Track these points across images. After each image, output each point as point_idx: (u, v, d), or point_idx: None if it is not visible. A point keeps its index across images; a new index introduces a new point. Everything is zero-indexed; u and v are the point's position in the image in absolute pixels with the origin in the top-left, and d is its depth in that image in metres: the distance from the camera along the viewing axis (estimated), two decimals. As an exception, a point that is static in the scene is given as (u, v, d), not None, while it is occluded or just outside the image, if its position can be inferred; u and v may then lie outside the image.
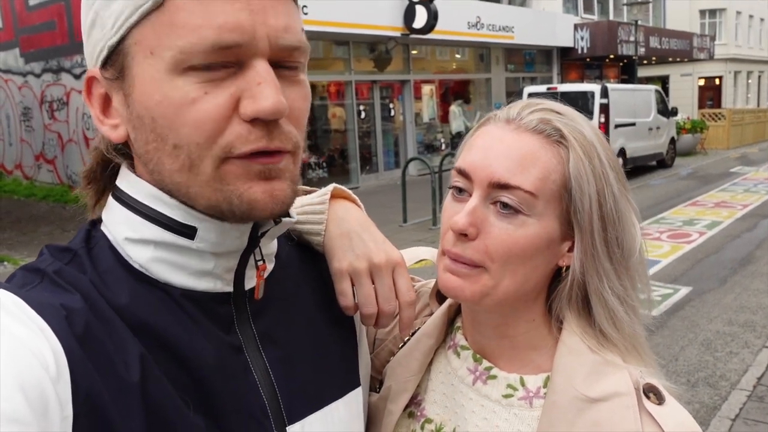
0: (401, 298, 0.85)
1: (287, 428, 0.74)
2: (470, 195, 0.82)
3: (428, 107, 17.05)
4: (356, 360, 0.88)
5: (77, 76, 11.87)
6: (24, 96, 13.68)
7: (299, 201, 0.89)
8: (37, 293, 0.62)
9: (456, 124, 17.82)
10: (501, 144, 0.81)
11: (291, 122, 0.66)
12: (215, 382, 0.68)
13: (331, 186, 0.93)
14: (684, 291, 6.66)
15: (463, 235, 0.80)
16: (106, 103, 0.69)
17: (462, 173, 0.83)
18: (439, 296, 0.99)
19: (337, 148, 14.49)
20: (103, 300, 0.65)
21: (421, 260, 1.04)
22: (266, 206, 0.65)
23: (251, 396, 0.71)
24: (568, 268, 0.84)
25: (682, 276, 7.29)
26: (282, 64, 0.66)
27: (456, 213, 0.82)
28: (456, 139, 17.71)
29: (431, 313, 0.98)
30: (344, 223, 0.88)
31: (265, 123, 0.63)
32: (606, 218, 0.81)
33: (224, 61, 0.62)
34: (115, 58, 0.65)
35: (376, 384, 0.98)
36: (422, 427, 0.93)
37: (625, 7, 23.34)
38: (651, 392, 0.80)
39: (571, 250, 0.83)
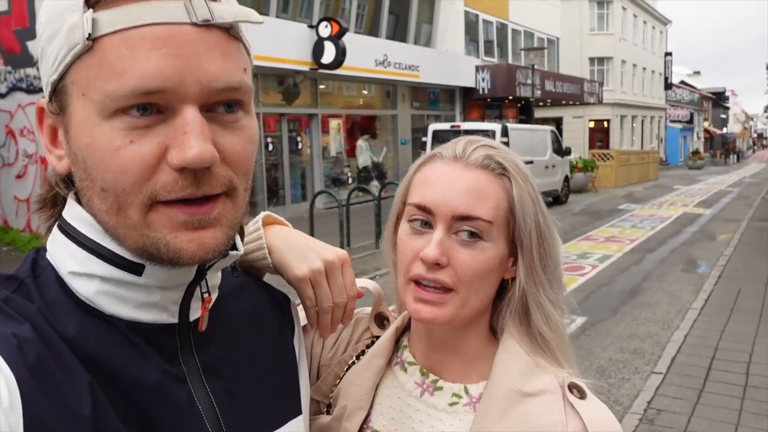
0: (349, 292, 0.93)
1: None
2: (431, 227, 0.92)
3: (335, 141, 17.17)
4: (297, 388, 0.89)
5: None
6: None
7: None
8: None
9: (363, 158, 18.04)
10: (459, 181, 0.92)
11: (227, 165, 0.66)
12: (161, 414, 0.68)
13: (263, 213, 0.98)
14: (580, 321, 6.99)
15: (435, 264, 0.89)
16: (54, 133, 0.70)
17: (423, 209, 0.92)
18: (378, 320, 1.08)
19: (243, 180, 14.24)
20: (51, 330, 0.64)
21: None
22: (194, 254, 0.65)
23: (196, 427, 0.71)
24: (512, 279, 0.96)
25: (578, 306, 7.63)
26: (218, 107, 0.65)
27: (420, 245, 0.91)
28: (363, 173, 17.91)
29: (371, 336, 1.08)
30: (289, 240, 0.94)
31: (193, 171, 0.63)
32: (541, 234, 0.94)
33: (150, 104, 0.61)
34: (57, 94, 0.66)
35: (324, 408, 1.04)
36: None
37: (522, 52, 24.70)
38: (575, 388, 0.92)
39: (514, 264, 0.96)
